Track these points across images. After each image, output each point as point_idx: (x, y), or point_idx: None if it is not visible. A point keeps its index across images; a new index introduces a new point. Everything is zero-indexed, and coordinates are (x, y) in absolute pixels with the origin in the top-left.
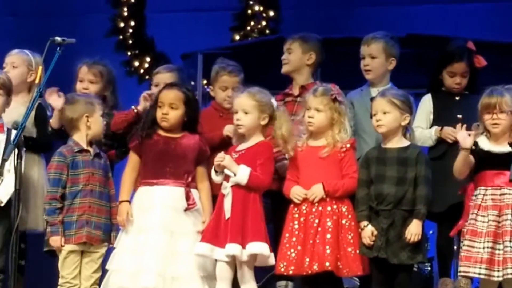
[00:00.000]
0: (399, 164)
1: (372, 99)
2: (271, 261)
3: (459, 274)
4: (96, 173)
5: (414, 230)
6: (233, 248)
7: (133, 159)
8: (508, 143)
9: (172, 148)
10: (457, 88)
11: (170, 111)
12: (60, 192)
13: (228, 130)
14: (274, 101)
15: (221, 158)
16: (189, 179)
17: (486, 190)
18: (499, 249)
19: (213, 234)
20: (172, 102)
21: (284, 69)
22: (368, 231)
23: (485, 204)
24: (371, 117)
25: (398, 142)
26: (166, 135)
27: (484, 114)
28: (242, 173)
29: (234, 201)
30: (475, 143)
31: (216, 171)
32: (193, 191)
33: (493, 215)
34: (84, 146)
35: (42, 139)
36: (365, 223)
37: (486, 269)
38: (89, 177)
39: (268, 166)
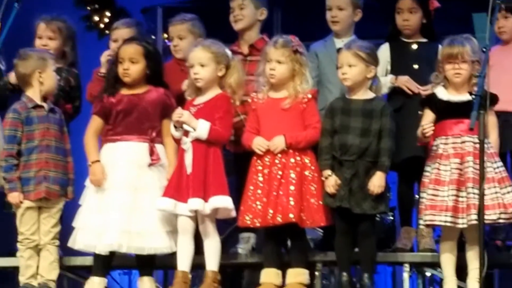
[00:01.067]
0: (364, 115)
1: (339, 50)
2: (233, 213)
3: (423, 223)
4: (51, 128)
5: (377, 182)
6: (195, 203)
7: (96, 122)
8: (468, 92)
9: (135, 104)
10: (407, 28)
11: (131, 65)
12: (16, 148)
13: (185, 84)
14: (228, 52)
15: (179, 114)
16: (153, 134)
17: (447, 139)
18: (462, 197)
19: (175, 189)
20: (132, 56)
21: (239, 25)
22: (332, 180)
23: (446, 153)
24: (337, 68)
25: (363, 94)
26: (129, 93)
27: (446, 64)
28: (201, 128)
29: (195, 156)
30: (433, 95)
31: (175, 127)
32: (158, 146)
33: (455, 163)
34: (38, 101)
35: None
36: (328, 172)
37: (451, 216)
38: (44, 132)
39: (227, 120)
